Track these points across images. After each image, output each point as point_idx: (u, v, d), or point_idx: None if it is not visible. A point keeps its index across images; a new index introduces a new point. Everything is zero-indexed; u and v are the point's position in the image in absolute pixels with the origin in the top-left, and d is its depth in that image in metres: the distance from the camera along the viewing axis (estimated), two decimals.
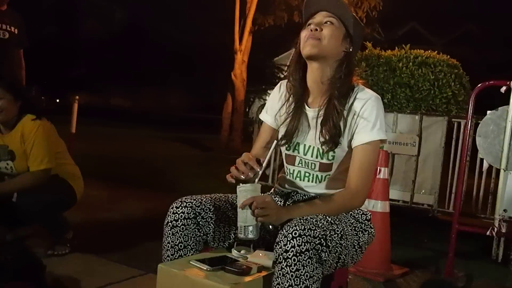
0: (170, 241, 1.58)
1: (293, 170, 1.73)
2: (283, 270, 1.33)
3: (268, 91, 13.18)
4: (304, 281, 1.32)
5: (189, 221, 1.57)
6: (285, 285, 1.33)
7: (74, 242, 2.79)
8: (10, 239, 2.68)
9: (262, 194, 1.53)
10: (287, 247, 1.33)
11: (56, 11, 22.17)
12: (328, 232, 1.40)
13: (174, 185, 5.54)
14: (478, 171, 4.11)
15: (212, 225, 1.61)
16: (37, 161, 2.59)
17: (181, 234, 1.57)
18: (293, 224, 1.37)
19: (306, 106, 1.69)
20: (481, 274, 3.20)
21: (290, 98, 1.72)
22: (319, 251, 1.35)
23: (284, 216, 1.48)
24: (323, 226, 1.42)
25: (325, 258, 1.37)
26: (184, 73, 18.23)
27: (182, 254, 1.57)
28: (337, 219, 1.54)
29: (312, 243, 1.33)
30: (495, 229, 3.13)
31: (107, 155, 7.95)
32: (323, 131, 1.61)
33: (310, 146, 1.67)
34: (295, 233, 1.34)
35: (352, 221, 1.64)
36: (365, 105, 1.59)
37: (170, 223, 1.58)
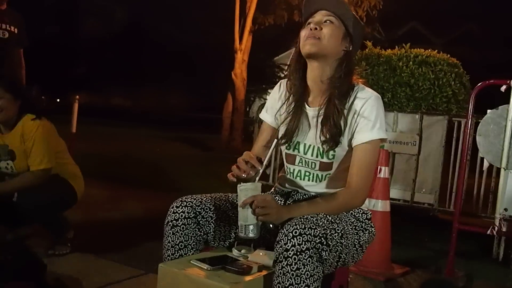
0: (170, 241, 1.58)
1: (293, 169, 1.72)
2: (284, 269, 1.33)
3: (269, 91, 13.21)
4: (305, 280, 1.32)
5: (189, 220, 1.57)
6: (286, 284, 1.33)
7: (74, 242, 2.79)
8: (10, 238, 2.67)
9: (263, 193, 1.53)
10: (288, 246, 1.33)
11: (56, 10, 22.20)
12: (328, 231, 1.40)
13: (175, 184, 5.54)
14: (479, 170, 4.10)
15: (212, 224, 1.61)
16: (37, 161, 2.59)
17: (181, 234, 1.57)
18: (294, 223, 1.37)
19: (306, 105, 1.69)
20: (482, 273, 3.20)
21: (290, 97, 1.72)
22: (320, 250, 1.34)
23: (285, 215, 1.48)
24: (323, 225, 1.41)
25: (326, 257, 1.37)
26: (184, 72, 18.26)
27: (183, 254, 1.57)
28: (338, 218, 1.54)
29: (312, 242, 1.33)
30: (496, 228, 3.13)
31: (108, 154, 7.95)
32: (324, 130, 1.61)
33: (310, 145, 1.67)
34: (296, 232, 1.34)
35: (353, 220, 1.64)
36: (365, 104, 1.59)
37: (170, 223, 1.58)
